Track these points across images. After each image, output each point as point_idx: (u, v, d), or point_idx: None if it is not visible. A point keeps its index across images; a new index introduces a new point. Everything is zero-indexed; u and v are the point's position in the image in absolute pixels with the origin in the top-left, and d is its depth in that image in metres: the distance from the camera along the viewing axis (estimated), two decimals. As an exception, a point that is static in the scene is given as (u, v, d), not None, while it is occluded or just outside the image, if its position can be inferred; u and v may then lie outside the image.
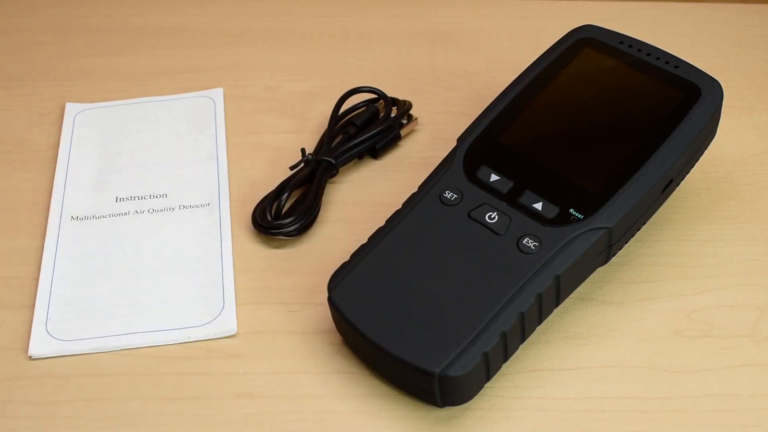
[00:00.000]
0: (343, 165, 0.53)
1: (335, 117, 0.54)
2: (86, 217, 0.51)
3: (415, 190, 0.46)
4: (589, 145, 0.46)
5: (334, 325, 0.44)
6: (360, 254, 0.44)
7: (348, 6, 0.66)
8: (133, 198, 0.52)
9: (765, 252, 0.49)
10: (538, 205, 0.44)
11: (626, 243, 0.46)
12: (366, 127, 0.54)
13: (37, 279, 0.48)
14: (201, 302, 0.47)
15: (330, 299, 0.43)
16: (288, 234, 0.49)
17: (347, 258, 0.44)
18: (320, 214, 0.51)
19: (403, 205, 0.46)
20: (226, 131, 0.56)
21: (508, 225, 0.43)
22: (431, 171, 0.47)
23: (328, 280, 0.44)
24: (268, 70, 0.61)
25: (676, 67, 0.47)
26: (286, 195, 0.50)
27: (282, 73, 0.60)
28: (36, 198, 0.52)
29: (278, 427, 0.42)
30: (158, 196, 0.52)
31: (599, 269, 0.46)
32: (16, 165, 0.54)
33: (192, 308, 0.46)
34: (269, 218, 0.49)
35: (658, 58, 0.48)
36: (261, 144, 0.55)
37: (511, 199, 0.44)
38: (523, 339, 0.43)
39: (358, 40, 0.63)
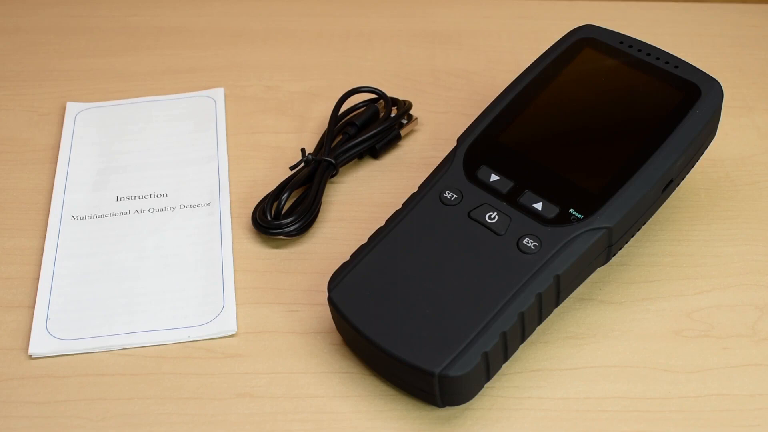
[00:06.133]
0: (343, 165, 0.53)
1: (335, 117, 0.54)
2: (86, 217, 0.51)
3: (415, 190, 0.46)
4: (589, 145, 0.46)
5: (334, 325, 0.44)
6: (360, 254, 0.44)
7: (348, 6, 0.66)
8: (133, 197, 0.52)
9: (765, 252, 0.49)
10: (538, 205, 0.44)
11: (626, 243, 0.46)
12: (366, 127, 0.54)
13: (37, 279, 0.48)
14: (201, 302, 0.47)
15: (330, 299, 0.43)
16: (288, 234, 0.49)
17: (347, 258, 0.44)
18: (320, 214, 0.51)
19: (403, 205, 0.46)
20: (227, 131, 0.56)
21: (508, 225, 0.43)
22: (431, 171, 0.47)
23: (328, 280, 0.44)
24: (268, 70, 0.61)
25: (676, 67, 0.47)
26: (286, 195, 0.50)
27: (282, 73, 0.61)
28: (36, 198, 0.52)
29: (278, 427, 0.42)
30: (158, 196, 0.52)
31: (599, 269, 0.46)
32: (16, 165, 0.54)
33: (192, 308, 0.46)
34: (269, 218, 0.49)
35: (658, 58, 0.48)
36: (261, 144, 0.55)
37: (511, 199, 0.44)
38: (523, 339, 0.43)
39: (358, 40, 0.63)
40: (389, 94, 0.56)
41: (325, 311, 0.45)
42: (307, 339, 0.45)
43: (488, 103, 0.49)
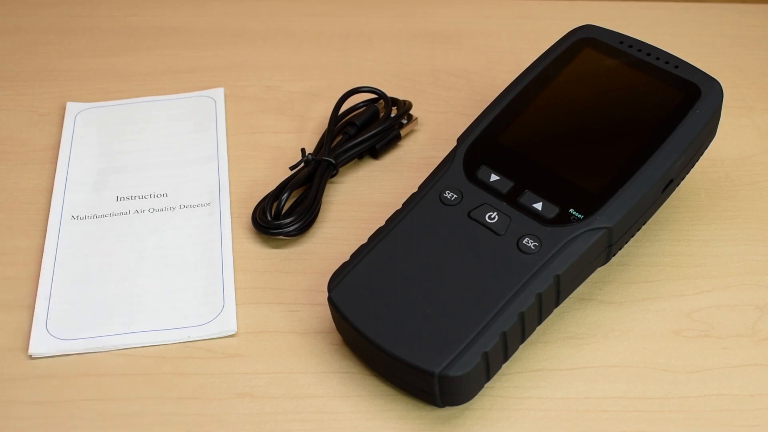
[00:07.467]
0: (343, 165, 0.53)
1: (335, 117, 0.54)
2: (86, 217, 0.51)
3: (415, 190, 0.46)
4: (589, 145, 0.46)
5: (334, 325, 0.44)
6: (360, 254, 0.44)
7: (348, 6, 0.66)
8: (133, 197, 0.52)
9: (765, 252, 0.49)
10: (538, 205, 0.44)
11: (626, 243, 0.46)
12: (366, 127, 0.54)
13: (37, 279, 0.48)
14: (201, 302, 0.47)
15: (330, 299, 0.43)
16: (288, 234, 0.49)
17: (347, 258, 0.44)
18: (320, 214, 0.51)
19: (403, 205, 0.46)
20: (227, 131, 0.56)
21: (508, 225, 0.43)
22: (431, 171, 0.47)
23: (328, 280, 0.44)
24: (268, 70, 0.61)
25: (676, 67, 0.47)
26: (286, 195, 0.50)
27: (282, 73, 0.61)
28: (36, 198, 0.52)
29: (278, 427, 0.42)
30: (158, 196, 0.52)
31: (599, 269, 0.46)
32: (16, 165, 0.54)
33: (192, 308, 0.46)
34: (269, 218, 0.49)
35: (658, 58, 0.48)
36: (261, 144, 0.55)
37: (511, 199, 0.44)
38: (523, 339, 0.43)
39: (358, 40, 0.63)
40: (389, 94, 0.56)
41: (325, 311, 0.45)
42: (307, 339, 0.45)
43: (488, 103, 0.49)
